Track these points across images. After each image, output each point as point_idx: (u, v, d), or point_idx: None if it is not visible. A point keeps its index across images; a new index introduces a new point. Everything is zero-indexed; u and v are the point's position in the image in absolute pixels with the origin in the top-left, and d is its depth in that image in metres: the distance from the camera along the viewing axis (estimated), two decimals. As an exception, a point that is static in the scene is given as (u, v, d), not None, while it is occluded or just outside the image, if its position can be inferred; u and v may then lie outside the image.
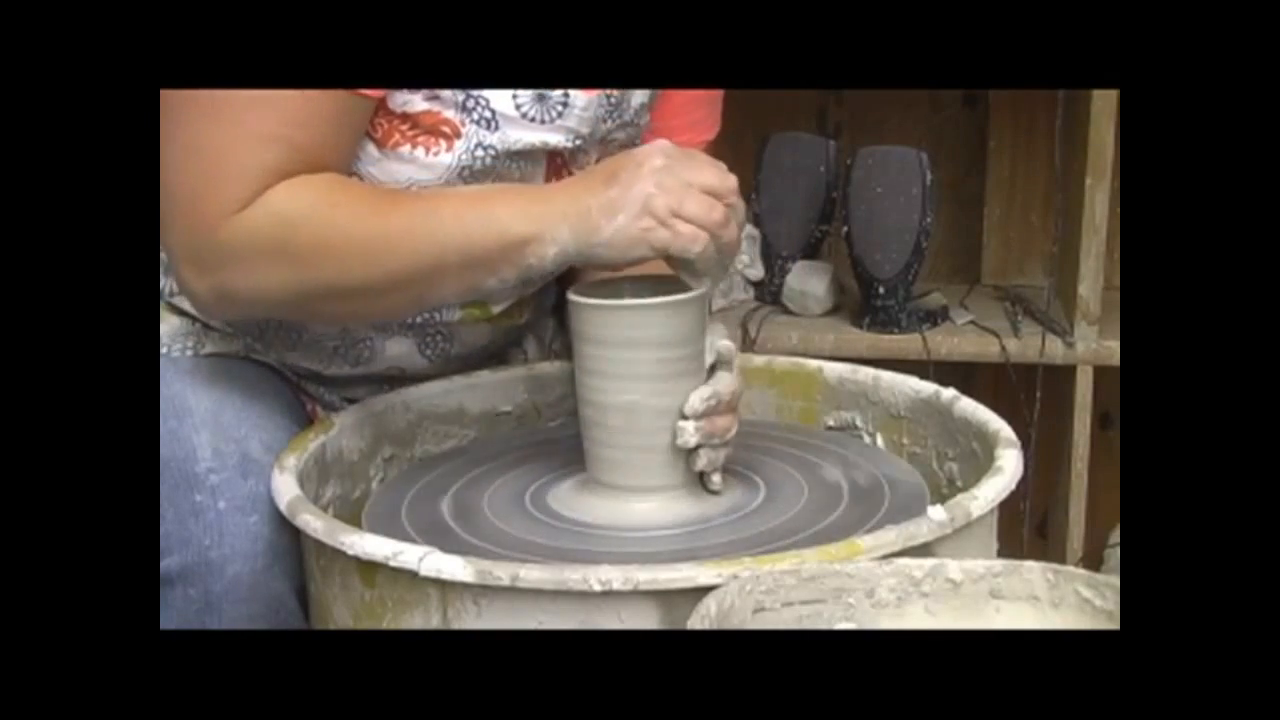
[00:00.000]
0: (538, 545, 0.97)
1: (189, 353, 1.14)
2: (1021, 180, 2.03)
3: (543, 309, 1.31)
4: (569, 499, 1.04)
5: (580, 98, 1.08)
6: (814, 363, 1.25)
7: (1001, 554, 0.93)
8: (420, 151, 1.06)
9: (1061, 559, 1.80)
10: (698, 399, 1.01)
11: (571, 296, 1.02)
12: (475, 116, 1.06)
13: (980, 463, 1.06)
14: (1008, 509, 0.98)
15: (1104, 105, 1.68)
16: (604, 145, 1.15)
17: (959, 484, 1.10)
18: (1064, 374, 1.81)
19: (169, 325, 1.15)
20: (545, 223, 0.97)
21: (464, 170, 1.07)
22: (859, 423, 1.20)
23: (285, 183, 0.99)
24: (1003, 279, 2.05)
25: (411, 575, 0.86)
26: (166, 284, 1.16)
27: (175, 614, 1.01)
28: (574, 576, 0.83)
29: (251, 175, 0.98)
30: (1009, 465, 0.98)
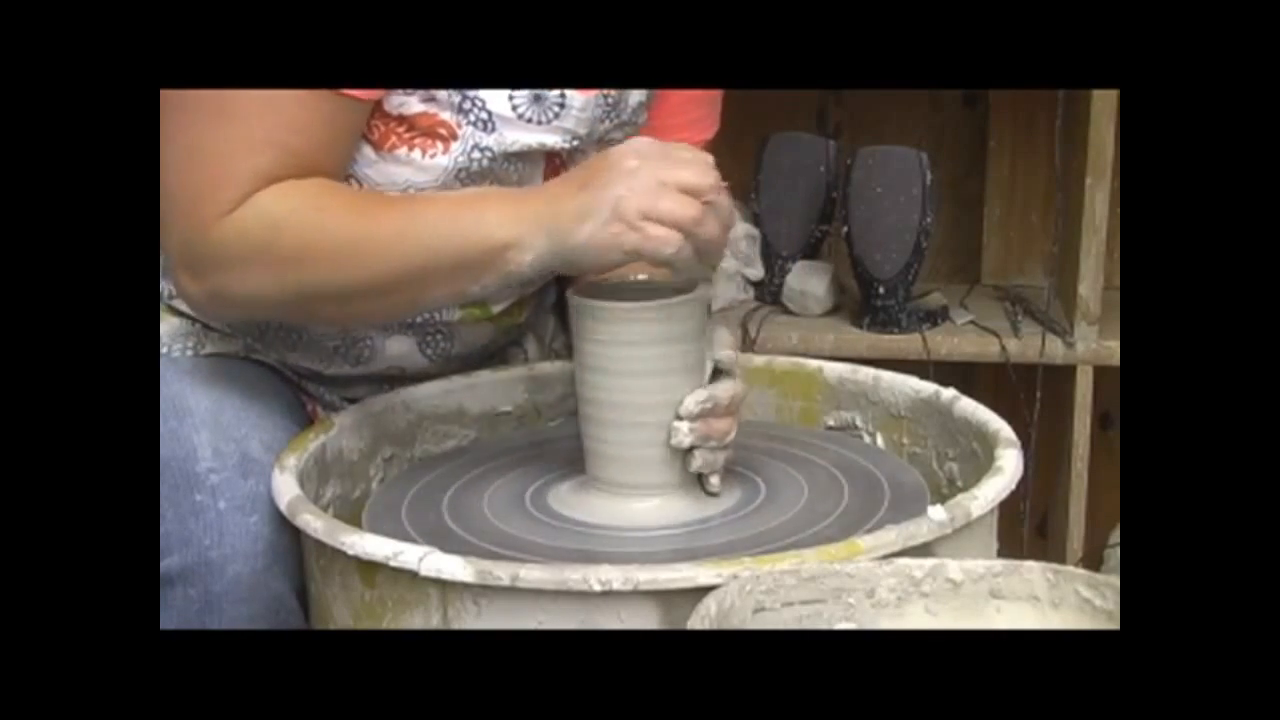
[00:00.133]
0: (538, 545, 0.97)
1: (189, 353, 1.14)
2: (1021, 180, 2.03)
3: (543, 308, 1.31)
4: (569, 499, 1.04)
5: (577, 98, 1.08)
6: (814, 363, 1.25)
7: (1001, 554, 0.93)
8: (417, 154, 1.06)
9: (1061, 559, 1.80)
10: (693, 401, 1.00)
11: (571, 296, 1.02)
12: (471, 118, 1.06)
13: (980, 463, 1.06)
14: (1008, 509, 0.98)
15: (1104, 105, 1.68)
16: (602, 145, 1.15)
17: (959, 484, 1.10)
18: (1064, 374, 1.81)
19: (169, 325, 1.15)
20: (523, 228, 0.96)
21: (460, 172, 1.07)
22: (859, 423, 1.20)
23: (275, 186, 0.99)
24: (1003, 279, 2.05)
25: (411, 575, 0.86)
26: (166, 287, 1.16)
27: (175, 614, 1.01)
28: (574, 576, 0.83)
29: (244, 179, 0.98)
30: (1009, 465, 0.98)
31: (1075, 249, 1.76)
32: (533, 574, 0.83)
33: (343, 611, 0.93)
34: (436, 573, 0.85)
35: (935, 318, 1.85)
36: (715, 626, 0.76)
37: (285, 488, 0.98)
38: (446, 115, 1.06)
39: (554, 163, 1.13)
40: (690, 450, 1.01)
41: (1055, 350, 1.79)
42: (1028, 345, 1.80)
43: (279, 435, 1.07)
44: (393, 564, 0.87)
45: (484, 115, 1.06)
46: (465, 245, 0.97)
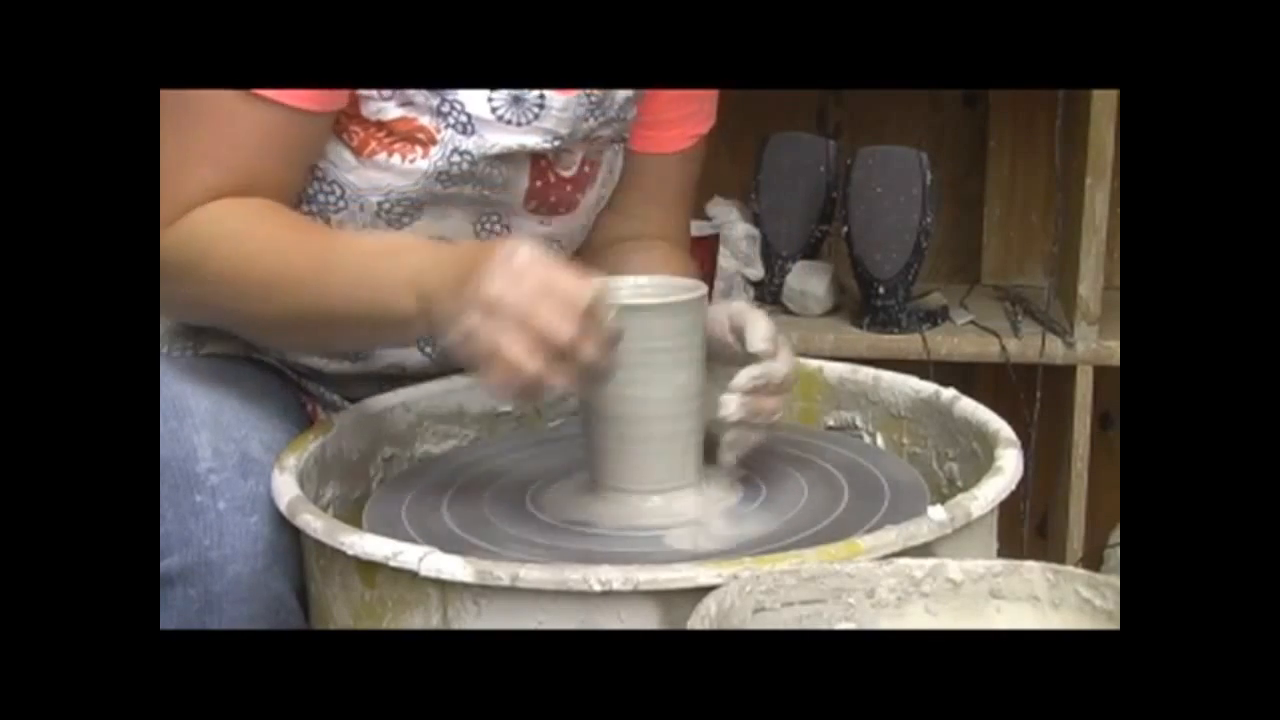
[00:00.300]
0: (538, 545, 0.97)
1: (189, 353, 1.14)
2: (1021, 180, 2.04)
3: None
4: (569, 499, 1.04)
5: (557, 99, 1.08)
6: (814, 363, 1.25)
7: (1001, 554, 0.93)
8: (396, 159, 1.07)
9: (1061, 559, 1.80)
10: (746, 376, 1.00)
11: (572, 296, 1.02)
12: (450, 121, 1.06)
13: (980, 463, 1.06)
14: (1008, 509, 0.98)
15: (1104, 105, 1.69)
16: (589, 142, 1.15)
17: (959, 484, 1.10)
18: (1064, 374, 1.82)
19: (169, 325, 1.15)
20: (418, 305, 0.94)
21: (441, 175, 1.08)
22: (859, 423, 1.20)
23: (216, 204, 1.01)
24: (1003, 279, 2.05)
25: (411, 575, 0.86)
26: None
27: (175, 614, 1.01)
28: (574, 576, 0.83)
29: (187, 191, 1.00)
30: (1009, 465, 0.98)
31: (1075, 249, 1.77)
32: (533, 574, 0.83)
33: (343, 611, 0.93)
34: (436, 573, 0.85)
35: (935, 318, 1.85)
36: (715, 626, 0.76)
37: (285, 488, 0.98)
38: (425, 120, 1.06)
39: (540, 163, 1.13)
40: (731, 425, 1.01)
41: (1055, 350, 1.79)
42: (1028, 345, 1.80)
43: (279, 435, 1.07)
44: (393, 564, 0.87)
45: (463, 118, 1.06)
46: (366, 309, 0.98)
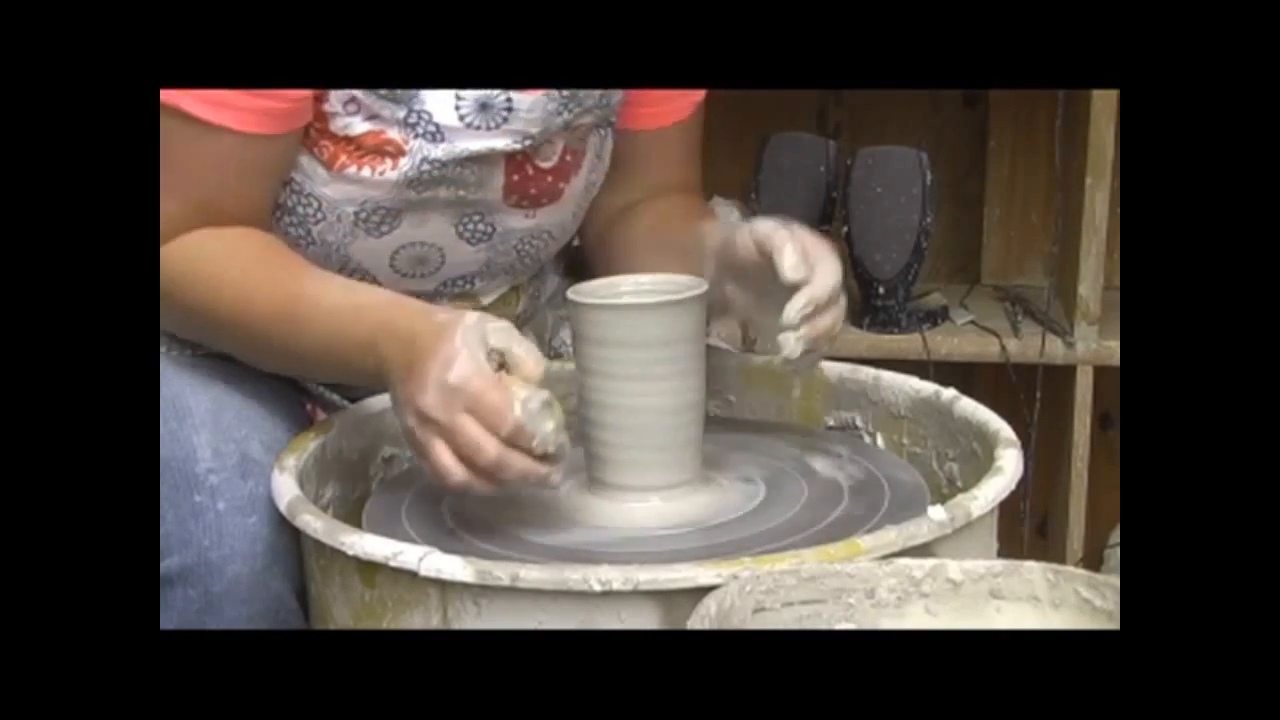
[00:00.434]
0: (538, 545, 0.97)
1: (189, 353, 1.14)
2: (1021, 180, 2.04)
3: (536, 300, 1.31)
4: (570, 499, 1.04)
5: (525, 99, 1.08)
6: (814, 363, 1.24)
7: (1001, 554, 0.93)
8: (367, 171, 1.07)
9: (1061, 559, 1.80)
10: (794, 311, 0.97)
11: (571, 297, 1.02)
12: (419, 131, 1.06)
13: (980, 463, 1.06)
14: (1008, 509, 0.98)
15: (1104, 105, 1.69)
16: (569, 132, 1.14)
17: (959, 484, 1.10)
18: (1064, 374, 1.82)
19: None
20: (375, 368, 0.98)
21: (413, 183, 1.08)
22: (859, 423, 1.20)
23: (188, 238, 1.04)
24: (1003, 279, 2.05)
25: (411, 575, 0.86)
26: None
27: (175, 614, 1.01)
28: (574, 576, 0.83)
29: (165, 219, 1.01)
30: (1009, 465, 0.98)
31: (1075, 249, 1.77)
32: (533, 574, 0.83)
33: (343, 611, 0.93)
34: (436, 573, 0.85)
35: (935, 318, 1.85)
36: (715, 626, 0.76)
37: (285, 488, 0.98)
38: (393, 132, 1.06)
39: (514, 159, 1.12)
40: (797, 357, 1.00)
41: (1055, 350, 1.79)
42: (1028, 345, 1.80)
43: (279, 436, 1.07)
44: (393, 564, 0.87)
45: (431, 128, 1.06)
46: (334, 363, 1.03)
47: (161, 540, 1.01)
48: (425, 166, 1.07)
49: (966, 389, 1.15)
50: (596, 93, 1.14)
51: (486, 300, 1.21)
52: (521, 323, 1.30)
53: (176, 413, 1.04)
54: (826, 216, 1.91)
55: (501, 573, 0.84)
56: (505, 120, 1.08)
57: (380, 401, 1.17)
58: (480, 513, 1.02)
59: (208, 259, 1.04)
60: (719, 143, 1.28)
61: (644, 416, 1.01)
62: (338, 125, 1.06)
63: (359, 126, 1.06)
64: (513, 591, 0.84)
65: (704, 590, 0.79)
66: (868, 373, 1.20)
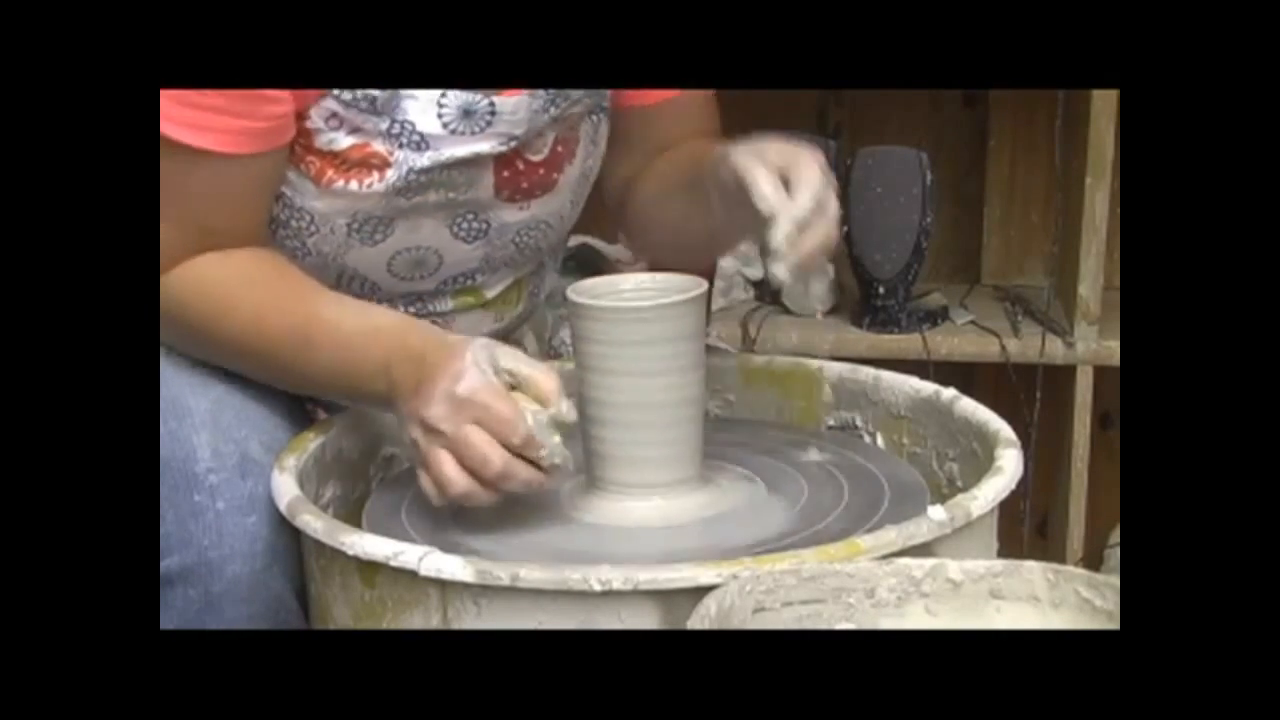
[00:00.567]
0: (538, 545, 0.97)
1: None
2: (1021, 180, 2.03)
3: (536, 297, 1.31)
4: (570, 498, 1.04)
5: (507, 102, 1.08)
6: (814, 362, 1.25)
7: (1001, 554, 0.93)
8: (354, 184, 1.07)
9: (1061, 559, 1.80)
10: (778, 238, 0.95)
11: (572, 296, 1.02)
12: (403, 141, 1.06)
13: (980, 463, 1.06)
14: (1008, 509, 0.98)
15: (1104, 105, 1.68)
16: (561, 123, 1.14)
17: (959, 484, 1.10)
18: (1064, 374, 1.82)
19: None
20: (386, 392, 1.00)
21: (401, 191, 1.08)
22: (859, 423, 1.20)
23: (201, 261, 1.04)
24: (1003, 279, 2.05)
25: (411, 575, 0.86)
26: None
27: (175, 614, 1.01)
28: (574, 576, 0.83)
29: (165, 245, 1.01)
30: (1009, 465, 0.98)
31: (1075, 249, 1.77)
32: (533, 574, 0.83)
33: (343, 611, 0.93)
34: (436, 573, 0.85)
35: (935, 318, 1.85)
36: (715, 626, 0.76)
37: (285, 488, 0.98)
38: (377, 144, 1.06)
39: (502, 157, 1.12)
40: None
41: (1055, 350, 1.79)
42: (1028, 345, 1.80)
43: (278, 436, 1.07)
44: (393, 564, 0.87)
45: (415, 137, 1.06)
46: (344, 386, 1.05)
47: (161, 540, 1.01)
48: (412, 176, 1.07)
49: (966, 389, 1.15)
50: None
51: (490, 294, 1.21)
52: (521, 320, 1.30)
53: (176, 413, 1.04)
54: (826, 216, 1.91)
55: (501, 572, 0.84)
56: (489, 124, 1.08)
57: (380, 401, 1.17)
58: (480, 512, 1.02)
59: (215, 285, 1.05)
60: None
61: (644, 415, 1.01)
62: (322, 141, 1.06)
63: (343, 141, 1.06)
64: (513, 591, 0.84)
65: (704, 590, 0.79)
66: (868, 373, 1.20)
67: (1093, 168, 1.70)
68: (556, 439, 0.95)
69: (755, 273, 1.94)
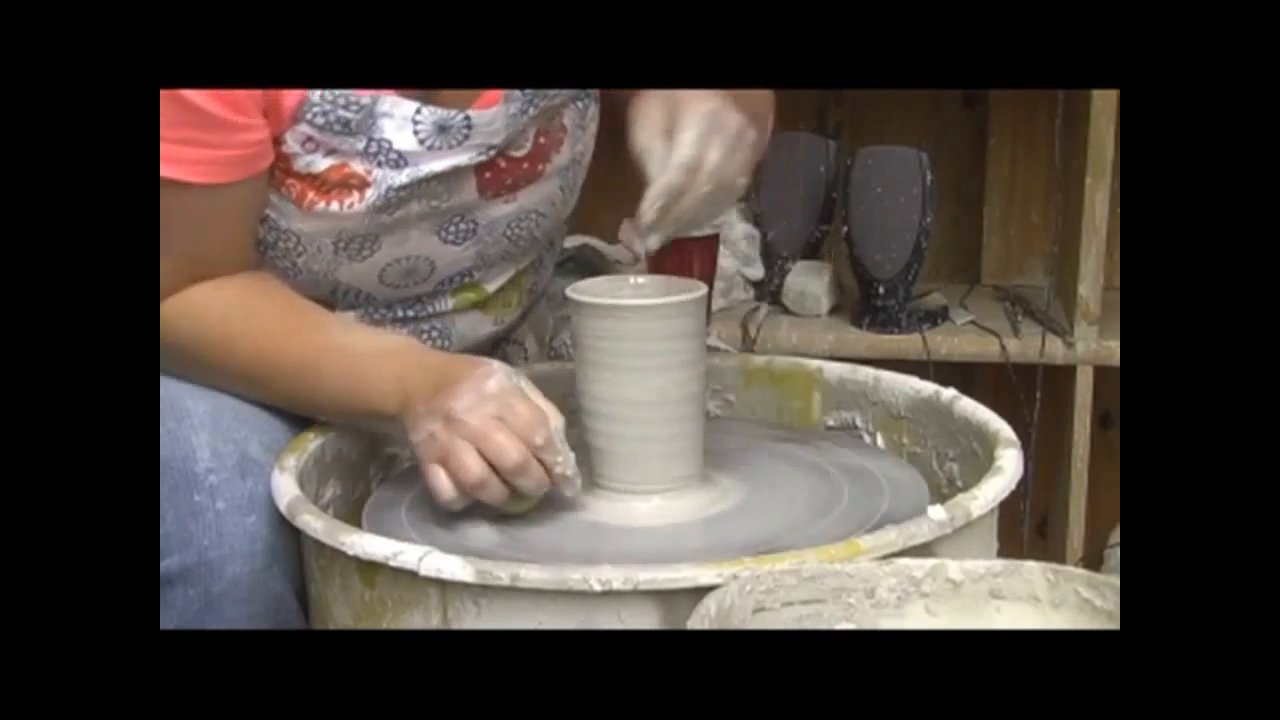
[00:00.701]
0: (538, 544, 0.97)
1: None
2: (1021, 180, 2.04)
3: (534, 294, 1.31)
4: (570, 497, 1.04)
5: (483, 115, 1.07)
6: (814, 363, 1.25)
7: (1001, 554, 0.93)
8: (335, 205, 1.07)
9: (1061, 559, 1.80)
10: (648, 206, 0.96)
11: (571, 296, 1.02)
12: (381, 160, 1.06)
13: (980, 463, 1.06)
14: (1008, 509, 0.98)
15: (1104, 105, 1.69)
16: (546, 117, 1.13)
17: (959, 484, 1.10)
18: (1064, 374, 1.82)
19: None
20: (398, 405, 1.01)
21: (383, 209, 1.08)
22: (859, 423, 1.20)
23: (197, 292, 1.05)
24: (1003, 279, 2.05)
25: (411, 575, 0.86)
26: None
27: (175, 614, 1.01)
28: (574, 576, 0.83)
29: (164, 276, 1.01)
30: (1009, 465, 0.98)
31: (1075, 249, 1.77)
32: (533, 574, 0.83)
33: (343, 611, 0.93)
34: (436, 573, 0.85)
35: (935, 318, 1.85)
36: (715, 626, 0.76)
37: (285, 488, 0.98)
38: (356, 164, 1.06)
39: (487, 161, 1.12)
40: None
41: (1055, 350, 1.79)
42: (1028, 345, 1.80)
43: (278, 436, 1.07)
44: (393, 564, 0.87)
45: (393, 155, 1.06)
46: (353, 405, 1.05)
47: (161, 540, 1.00)
48: (391, 193, 1.07)
49: (966, 389, 1.15)
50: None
51: (491, 288, 1.21)
52: (519, 322, 1.30)
53: (175, 414, 1.04)
54: (826, 216, 1.91)
55: (501, 572, 0.84)
56: (466, 137, 1.08)
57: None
58: (480, 512, 1.02)
59: (215, 317, 1.06)
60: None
61: (644, 415, 1.01)
62: (300, 165, 1.05)
63: (321, 163, 1.05)
64: (513, 591, 0.84)
65: (704, 590, 0.79)
66: (868, 373, 1.20)
67: (1093, 168, 1.70)
68: (571, 455, 0.99)
69: (755, 273, 1.94)
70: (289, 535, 1.01)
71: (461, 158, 1.09)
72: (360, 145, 1.05)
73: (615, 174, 1.15)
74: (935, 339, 1.81)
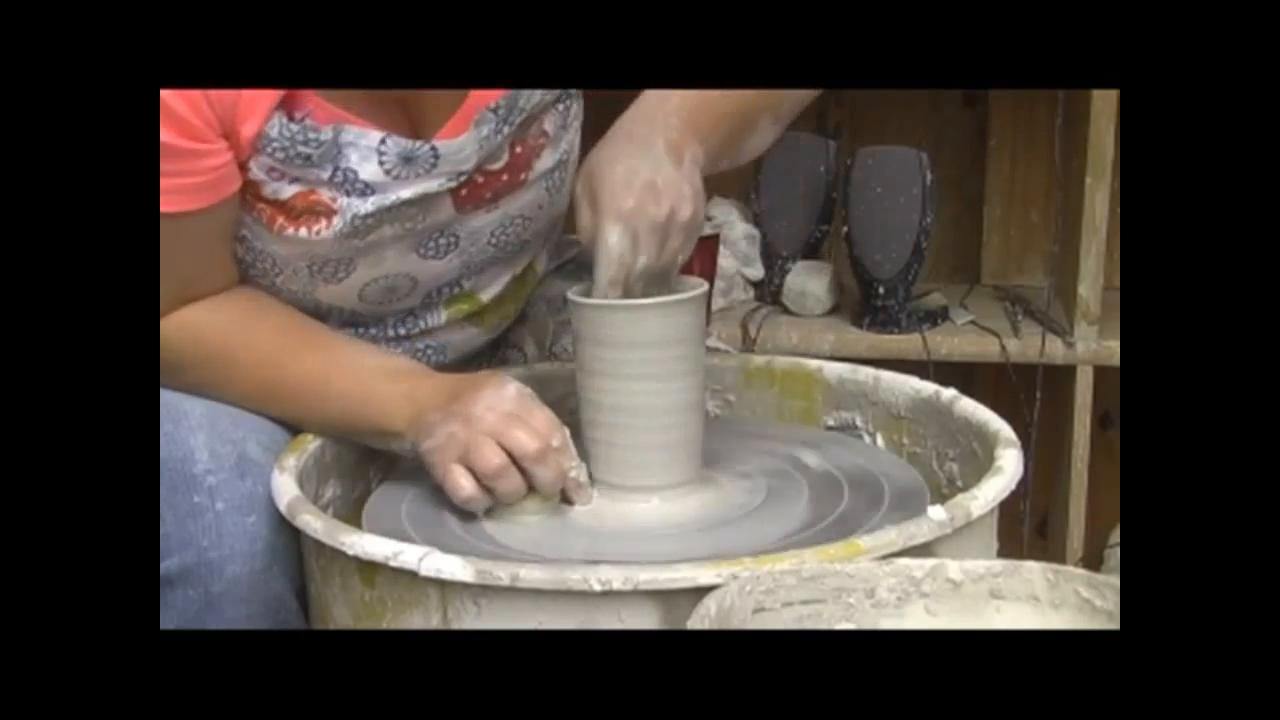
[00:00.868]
0: (538, 545, 0.97)
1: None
2: (1021, 180, 2.04)
3: (535, 307, 1.31)
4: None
5: (450, 145, 1.06)
6: (814, 363, 1.25)
7: (1001, 554, 0.93)
8: (304, 231, 1.06)
9: (1061, 559, 1.80)
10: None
11: (571, 297, 1.02)
12: (347, 189, 1.05)
13: (980, 463, 1.06)
14: (1008, 509, 0.98)
15: (1104, 105, 1.69)
16: (527, 125, 1.12)
17: (959, 484, 1.10)
18: (1064, 374, 1.82)
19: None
20: (408, 420, 1.03)
21: (351, 236, 1.07)
22: (859, 423, 1.20)
23: (191, 314, 1.05)
24: (1003, 279, 2.05)
25: (411, 575, 0.86)
26: None
27: (175, 615, 1.01)
28: (574, 576, 0.83)
29: (163, 296, 1.01)
30: (1009, 465, 0.98)
31: (1075, 249, 1.77)
32: (532, 574, 0.83)
33: (343, 611, 0.93)
34: (436, 573, 0.85)
35: (935, 318, 1.85)
36: (715, 626, 0.76)
37: (285, 488, 0.98)
38: (322, 192, 1.05)
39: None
40: None
41: (1055, 350, 1.79)
42: (1028, 345, 1.80)
43: (276, 436, 1.07)
44: (393, 564, 0.87)
45: (359, 185, 1.05)
46: (361, 423, 1.07)
47: (161, 541, 1.00)
48: (358, 221, 1.06)
49: (966, 389, 1.15)
50: (534, 98, 1.10)
51: (486, 297, 1.21)
52: (524, 332, 1.30)
53: (173, 416, 1.04)
54: (826, 216, 1.91)
55: (501, 572, 0.84)
56: (434, 165, 1.07)
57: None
58: (479, 511, 1.02)
59: (215, 338, 1.06)
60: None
61: (644, 416, 1.01)
62: (268, 191, 1.05)
63: (287, 190, 1.05)
64: (513, 591, 0.84)
65: (704, 590, 0.79)
66: (868, 373, 1.20)
67: (1093, 168, 1.70)
68: (583, 465, 1.02)
69: (755, 273, 1.94)
70: (289, 535, 1.01)
71: (431, 184, 1.07)
72: (325, 174, 1.04)
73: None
74: (935, 339, 1.81)
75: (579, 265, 1.42)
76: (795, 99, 1.11)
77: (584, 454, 1.04)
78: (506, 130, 1.10)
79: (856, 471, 1.08)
